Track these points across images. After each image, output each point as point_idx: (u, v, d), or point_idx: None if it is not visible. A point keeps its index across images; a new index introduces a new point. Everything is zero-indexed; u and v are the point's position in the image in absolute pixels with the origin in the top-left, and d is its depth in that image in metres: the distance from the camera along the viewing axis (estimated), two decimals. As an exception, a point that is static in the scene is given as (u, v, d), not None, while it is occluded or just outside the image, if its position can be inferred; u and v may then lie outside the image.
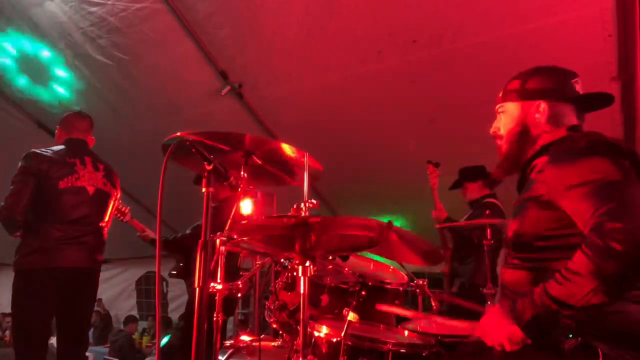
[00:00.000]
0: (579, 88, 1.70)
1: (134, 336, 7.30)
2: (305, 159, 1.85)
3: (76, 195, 3.13)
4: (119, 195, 3.50)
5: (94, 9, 3.77)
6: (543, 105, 1.67)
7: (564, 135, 1.62)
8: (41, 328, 3.03)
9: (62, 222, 3.06)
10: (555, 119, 1.66)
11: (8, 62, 4.65)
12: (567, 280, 1.31)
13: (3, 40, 4.40)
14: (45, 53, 4.43)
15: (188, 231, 3.81)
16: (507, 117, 1.75)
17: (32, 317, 3.00)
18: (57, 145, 3.29)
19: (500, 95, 1.80)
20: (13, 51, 4.52)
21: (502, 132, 1.76)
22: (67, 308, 3.12)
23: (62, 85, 4.75)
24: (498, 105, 1.80)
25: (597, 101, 1.72)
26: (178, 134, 1.71)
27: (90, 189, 3.20)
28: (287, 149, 2.06)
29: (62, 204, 3.07)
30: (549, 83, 1.70)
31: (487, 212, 3.18)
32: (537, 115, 1.67)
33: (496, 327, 1.42)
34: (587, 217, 1.34)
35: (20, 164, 3.07)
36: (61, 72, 4.60)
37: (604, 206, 1.31)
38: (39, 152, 3.12)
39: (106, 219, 3.33)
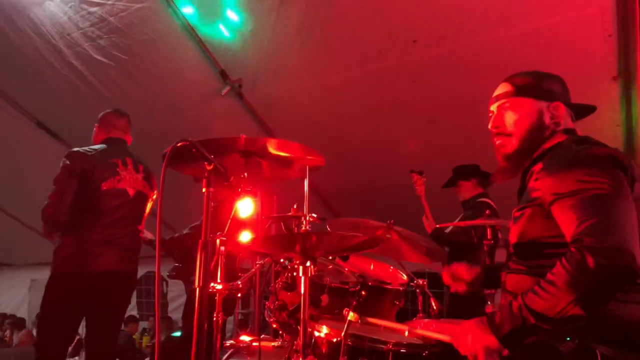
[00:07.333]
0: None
1: (134, 336, 7.29)
2: (307, 172, 1.86)
3: (117, 198, 3.07)
4: (155, 197, 3.42)
5: (94, 9, 3.77)
6: (561, 107, 1.64)
7: (559, 141, 1.61)
8: (66, 334, 3.00)
9: (101, 225, 3.00)
10: (564, 121, 1.65)
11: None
12: (546, 292, 1.30)
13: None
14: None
15: (186, 231, 3.80)
16: (518, 113, 1.65)
17: (60, 319, 2.94)
18: (95, 144, 3.21)
19: (510, 90, 1.68)
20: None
21: (512, 128, 1.66)
22: (98, 311, 3.05)
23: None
24: (502, 100, 1.69)
25: (584, 110, 1.73)
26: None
27: (131, 191, 3.15)
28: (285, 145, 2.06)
29: (103, 206, 3.01)
30: (560, 87, 1.69)
31: (487, 212, 3.17)
32: (552, 116, 1.63)
33: (473, 338, 1.40)
34: (571, 229, 1.34)
35: (63, 162, 2.99)
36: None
37: (588, 220, 1.31)
38: (83, 151, 3.04)
39: (143, 221, 3.28)
